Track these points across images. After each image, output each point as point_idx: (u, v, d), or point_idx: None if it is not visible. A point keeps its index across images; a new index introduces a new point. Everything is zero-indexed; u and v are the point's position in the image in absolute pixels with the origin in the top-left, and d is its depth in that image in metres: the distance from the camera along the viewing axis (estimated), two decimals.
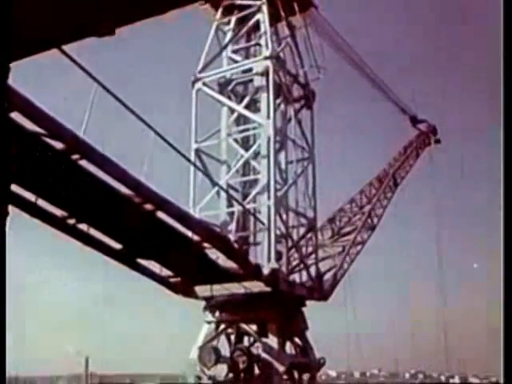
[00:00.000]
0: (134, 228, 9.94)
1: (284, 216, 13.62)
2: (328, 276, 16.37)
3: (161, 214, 9.87)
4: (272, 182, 12.91)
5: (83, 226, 10.07)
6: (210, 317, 13.56)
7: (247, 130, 13.96)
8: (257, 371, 12.87)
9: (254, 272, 12.03)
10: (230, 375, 12.80)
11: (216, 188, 13.23)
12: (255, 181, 13.55)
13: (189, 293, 13.20)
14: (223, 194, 13.49)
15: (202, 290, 13.03)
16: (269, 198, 12.85)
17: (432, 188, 29.44)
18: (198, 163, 13.76)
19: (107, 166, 8.52)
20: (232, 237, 13.18)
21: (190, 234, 11.02)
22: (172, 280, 12.70)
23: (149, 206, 9.34)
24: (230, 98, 14.33)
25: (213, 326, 13.56)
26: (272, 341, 12.79)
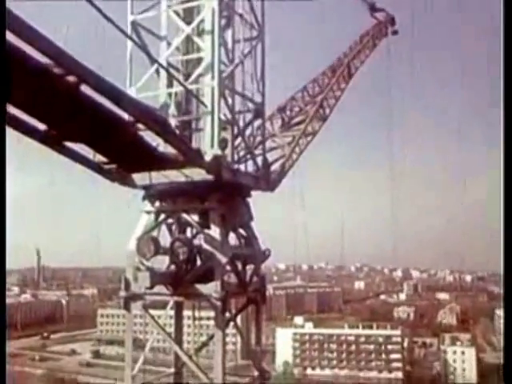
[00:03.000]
0: (56, 104, 8.75)
1: (229, 100, 12.61)
2: (276, 166, 15.76)
3: (88, 91, 8.70)
4: (216, 61, 11.75)
5: None
6: (148, 206, 12.77)
7: (190, 0, 12.52)
8: (199, 262, 12.32)
9: (195, 158, 11.14)
10: (172, 267, 12.22)
11: (155, 66, 11.97)
12: (198, 60, 12.32)
13: (126, 181, 12.31)
14: (163, 74, 12.27)
15: (139, 177, 12.15)
16: (213, 78, 11.75)
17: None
18: (135, 38, 12.40)
19: (18, 28, 7.20)
20: (172, 121, 12.16)
21: (124, 116, 9.96)
22: (106, 167, 11.75)
23: (71, 79, 8.13)
24: None
25: (152, 216, 12.80)
26: (215, 231, 12.16)
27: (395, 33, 27.01)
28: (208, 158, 11.49)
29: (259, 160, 14.07)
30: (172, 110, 12.33)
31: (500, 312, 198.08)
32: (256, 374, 13.48)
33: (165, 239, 12.63)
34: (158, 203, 12.73)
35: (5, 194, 9.01)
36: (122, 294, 12.48)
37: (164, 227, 13.03)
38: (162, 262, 12.28)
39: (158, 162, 11.12)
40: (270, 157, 15.40)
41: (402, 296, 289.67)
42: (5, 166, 8.65)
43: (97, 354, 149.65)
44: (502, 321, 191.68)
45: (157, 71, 12.19)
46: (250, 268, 13.52)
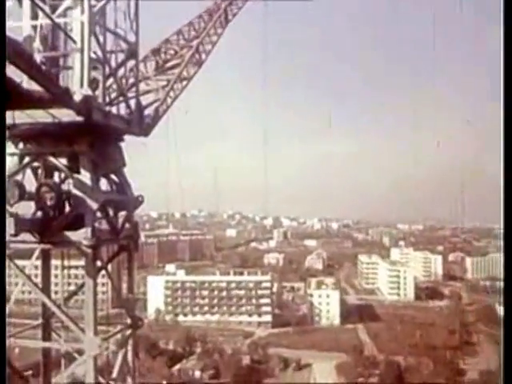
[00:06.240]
0: None
1: (100, 38, 11.85)
2: (150, 111, 15.23)
3: None
4: None
5: None
6: (12, 148, 11.86)
7: None
8: (68, 209, 11.72)
9: (62, 98, 10.37)
10: (38, 213, 11.55)
11: None
12: None
13: None
14: (27, 3, 11.20)
15: None
16: (82, 12, 10.95)
17: None
18: None
19: None
20: (38, 56, 11.22)
21: None
22: None
23: None
24: None
25: (16, 158, 11.92)
26: (85, 176, 11.58)
27: None
28: (77, 98, 10.79)
29: (132, 103, 13.50)
30: (37, 44, 11.36)
31: (363, 258, 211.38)
32: (128, 321, 13.28)
33: (30, 184, 11.87)
34: (21, 145, 11.85)
35: (5, 192, 8.05)
36: None
37: (29, 171, 12.23)
38: (28, 208, 11.57)
39: (22, 99, 10.23)
40: (144, 100, 14.83)
41: (272, 243, 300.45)
42: (5, 166, 7.73)
43: None
44: (364, 266, 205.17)
45: (19, 0, 11.13)
46: (122, 215, 13.12)
